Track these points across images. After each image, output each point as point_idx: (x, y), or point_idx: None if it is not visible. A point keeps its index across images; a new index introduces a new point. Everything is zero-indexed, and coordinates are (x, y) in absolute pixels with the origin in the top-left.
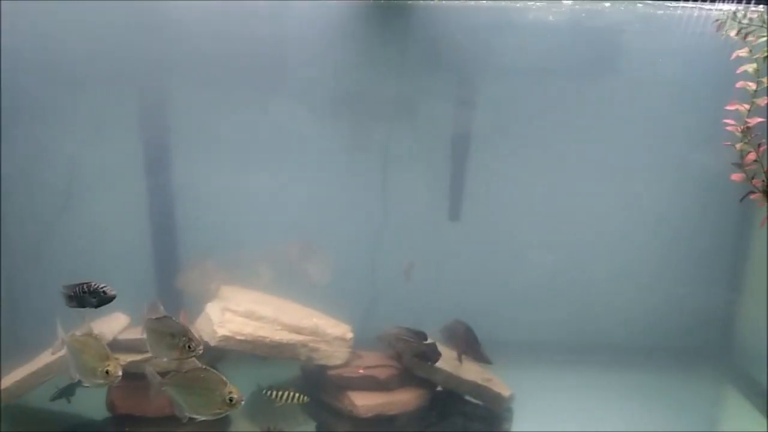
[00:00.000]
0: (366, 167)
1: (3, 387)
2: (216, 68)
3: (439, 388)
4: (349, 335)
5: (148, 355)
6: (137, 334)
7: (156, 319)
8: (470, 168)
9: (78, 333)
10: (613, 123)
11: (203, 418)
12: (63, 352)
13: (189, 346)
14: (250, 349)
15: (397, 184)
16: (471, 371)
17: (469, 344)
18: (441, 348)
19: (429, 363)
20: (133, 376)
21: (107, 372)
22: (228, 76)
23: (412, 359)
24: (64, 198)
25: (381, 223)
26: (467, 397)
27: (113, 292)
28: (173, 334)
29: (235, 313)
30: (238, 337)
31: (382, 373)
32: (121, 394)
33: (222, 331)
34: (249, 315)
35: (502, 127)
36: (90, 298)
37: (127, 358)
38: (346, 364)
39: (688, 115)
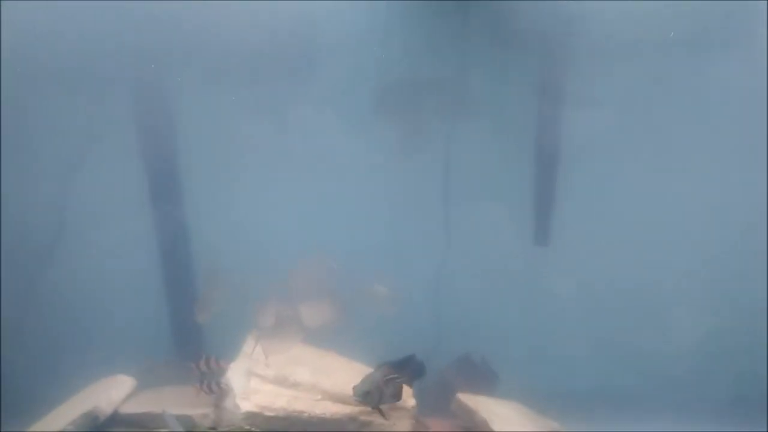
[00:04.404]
0: (425, 177)
1: None
2: (228, 66)
3: None
4: (411, 402)
5: None
6: (147, 403)
7: None
8: (561, 179)
9: None
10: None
11: None
12: None
13: None
14: (282, 427)
15: (466, 200)
16: None
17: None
18: None
19: (417, 380)
20: None
21: None
22: (244, 76)
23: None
24: (58, 222)
25: (444, 248)
26: None
27: None
28: None
29: (264, 378)
30: (268, 413)
31: None
32: None
33: (246, 406)
34: (281, 381)
35: (605, 129)
36: None
37: None
38: None
39: None
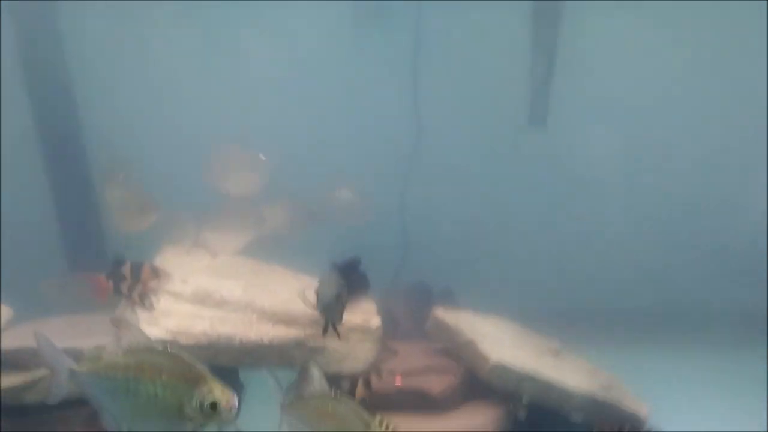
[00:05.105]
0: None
1: None
2: None
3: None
4: (375, 322)
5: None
6: (25, 337)
7: None
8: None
9: None
10: None
11: None
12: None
13: None
14: (206, 358)
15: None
16: (577, 373)
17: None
18: None
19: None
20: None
21: (213, 406)
22: None
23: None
24: None
25: (415, 138)
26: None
27: None
28: None
29: (179, 297)
30: (184, 341)
31: (433, 384)
32: None
33: (154, 333)
34: (203, 299)
35: None
36: None
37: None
38: (372, 369)
39: None
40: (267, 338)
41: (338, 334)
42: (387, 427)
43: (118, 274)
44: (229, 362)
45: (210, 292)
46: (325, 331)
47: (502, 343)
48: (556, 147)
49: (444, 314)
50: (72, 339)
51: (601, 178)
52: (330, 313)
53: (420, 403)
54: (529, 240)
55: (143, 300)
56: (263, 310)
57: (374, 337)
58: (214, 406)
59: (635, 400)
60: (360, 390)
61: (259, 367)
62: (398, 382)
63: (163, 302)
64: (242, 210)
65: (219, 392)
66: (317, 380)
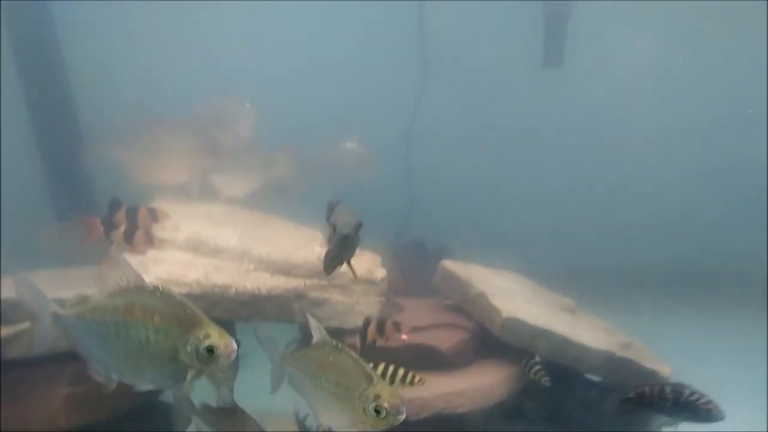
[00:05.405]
0: None
1: None
2: None
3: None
4: (380, 274)
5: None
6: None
7: None
8: None
9: None
10: None
11: None
12: None
13: None
14: (200, 309)
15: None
16: (594, 331)
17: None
18: None
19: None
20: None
21: (210, 351)
22: None
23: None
24: None
25: (420, 87)
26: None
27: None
28: None
29: (171, 244)
30: (175, 289)
31: (442, 340)
32: None
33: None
34: (196, 247)
35: None
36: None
37: None
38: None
39: None
40: (265, 288)
41: (354, 272)
42: (389, 371)
43: (113, 217)
44: (224, 315)
45: (204, 240)
46: (332, 267)
47: (515, 297)
48: (572, 92)
49: (454, 266)
50: (57, 290)
51: (616, 130)
52: (349, 245)
53: (428, 360)
54: (539, 195)
55: (137, 243)
56: (261, 259)
57: (379, 290)
58: (211, 350)
59: (656, 360)
60: (372, 332)
61: (256, 320)
62: (405, 337)
63: (155, 249)
64: (252, 155)
65: (216, 336)
66: (317, 330)
